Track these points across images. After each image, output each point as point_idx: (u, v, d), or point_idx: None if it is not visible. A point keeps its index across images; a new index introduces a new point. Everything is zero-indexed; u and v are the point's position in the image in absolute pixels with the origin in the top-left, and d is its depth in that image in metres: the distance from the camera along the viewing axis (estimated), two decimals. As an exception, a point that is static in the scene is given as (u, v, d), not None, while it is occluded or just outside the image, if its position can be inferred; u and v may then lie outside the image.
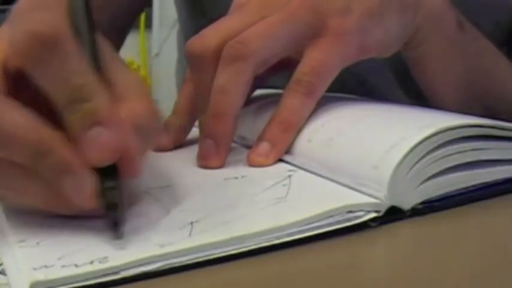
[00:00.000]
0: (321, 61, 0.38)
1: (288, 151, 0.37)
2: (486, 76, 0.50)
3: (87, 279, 0.24)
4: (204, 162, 0.37)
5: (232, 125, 0.37)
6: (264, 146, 0.37)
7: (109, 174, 0.27)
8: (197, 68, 0.39)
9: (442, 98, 0.48)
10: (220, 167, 0.37)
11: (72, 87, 0.26)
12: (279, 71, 0.41)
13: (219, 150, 0.37)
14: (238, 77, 0.37)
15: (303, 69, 0.38)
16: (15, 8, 0.27)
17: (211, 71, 0.38)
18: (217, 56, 0.38)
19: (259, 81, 0.40)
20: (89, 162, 0.27)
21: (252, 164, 0.37)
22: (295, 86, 0.38)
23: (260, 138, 0.38)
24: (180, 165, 0.38)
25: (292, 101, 0.38)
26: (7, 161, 0.27)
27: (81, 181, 0.27)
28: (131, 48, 1.65)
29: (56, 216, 0.29)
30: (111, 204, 0.27)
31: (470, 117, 0.33)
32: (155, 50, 1.64)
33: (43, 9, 0.27)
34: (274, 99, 0.39)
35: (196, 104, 0.40)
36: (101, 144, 0.27)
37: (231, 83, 0.37)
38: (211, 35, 0.39)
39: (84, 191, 0.27)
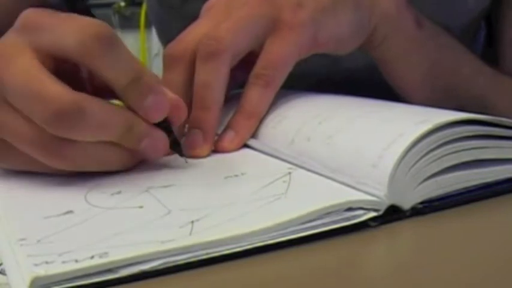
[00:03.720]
0: (277, 54, 0.41)
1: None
2: (450, 72, 0.51)
3: (87, 275, 0.24)
4: (192, 151, 0.39)
5: (217, 116, 0.40)
6: (229, 133, 0.41)
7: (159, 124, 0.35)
8: (177, 68, 0.42)
9: (410, 95, 0.50)
10: (208, 155, 0.40)
11: (131, 70, 0.33)
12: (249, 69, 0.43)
13: (206, 139, 0.40)
14: (218, 71, 0.40)
15: (261, 63, 0.42)
16: (37, 20, 0.33)
17: (192, 70, 0.41)
18: (195, 56, 0.41)
19: (233, 81, 0.43)
20: (152, 121, 0.35)
21: (218, 150, 0.40)
22: (254, 80, 0.41)
23: (226, 127, 0.41)
24: (180, 164, 0.38)
25: (252, 93, 0.41)
26: (92, 142, 0.33)
27: (158, 140, 0.35)
28: (131, 48, 1.64)
29: (57, 215, 0.29)
30: (176, 142, 0.37)
31: (468, 113, 0.33)
32: (155, 50, 1.64)
33: (75, 17, 0.33)
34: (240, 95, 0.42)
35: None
36: (160, 104, 0.34)
37: (212, 77, 0.40)
38: (188, 38, 0.42)
39: (162, 146, 0.35)
